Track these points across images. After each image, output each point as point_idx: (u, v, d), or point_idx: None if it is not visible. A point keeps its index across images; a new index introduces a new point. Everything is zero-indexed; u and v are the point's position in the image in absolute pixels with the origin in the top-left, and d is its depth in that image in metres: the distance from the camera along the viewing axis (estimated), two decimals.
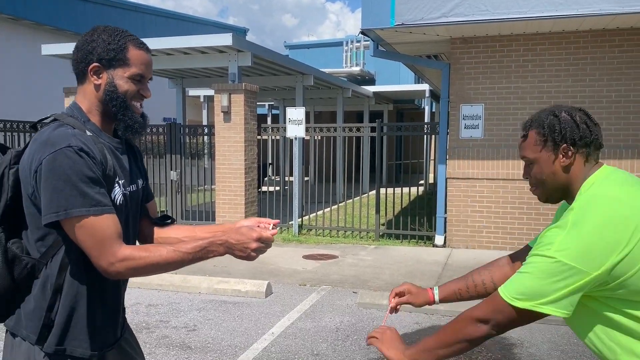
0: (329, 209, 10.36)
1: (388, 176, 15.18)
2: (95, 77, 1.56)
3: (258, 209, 9.12)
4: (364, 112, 16.99)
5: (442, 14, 6.64)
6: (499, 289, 1.46)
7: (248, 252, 1.51)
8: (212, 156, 9.32)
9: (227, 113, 8.52)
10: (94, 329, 1.57)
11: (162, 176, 9.48)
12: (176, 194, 9.44)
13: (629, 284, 1.37)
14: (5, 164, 1.51)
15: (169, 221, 1.82)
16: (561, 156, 1.52)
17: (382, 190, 8.79)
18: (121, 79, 1.56)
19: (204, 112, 18.06)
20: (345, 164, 10.12)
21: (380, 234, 8.57)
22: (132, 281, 5.75)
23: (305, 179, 13.18)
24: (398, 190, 8.72)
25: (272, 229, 1.58)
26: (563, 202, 1.72)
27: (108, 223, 1.45)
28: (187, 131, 9.64)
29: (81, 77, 1.58)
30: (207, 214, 9.39)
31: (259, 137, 9.08)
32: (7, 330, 1.57)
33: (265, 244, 1.53)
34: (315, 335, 4.46)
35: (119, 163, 1.60)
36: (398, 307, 1.97)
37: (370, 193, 10.89)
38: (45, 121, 1.57)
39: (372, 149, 11.38)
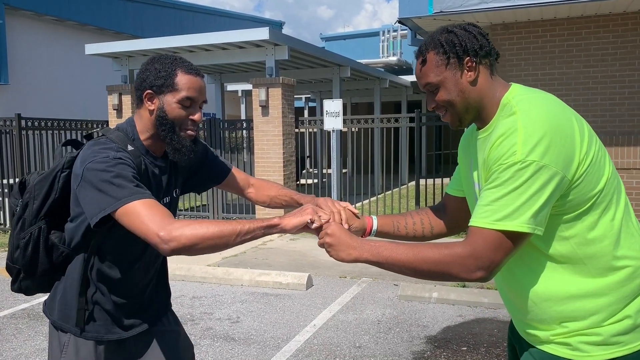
0: (367, 200, 10.31)
1: (427, 167, 15.01)
2: (149, 102, 1.66)
3: None
4: (401, 102, 16.81)
5: (482, 0, 6.48)
6: (474, 221, 1.31)
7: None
8: (251, 150, 9.42)
9: (265, 107, 8.58)
10: (112, 315, 1.74)
11: None
12: (217, 187, 9.57)
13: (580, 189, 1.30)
14: (58, 168, 1.66)
15: None
16: (466, 71, 1.42)
17: (422, 182, 8.69)
18: (171, 104, 1.64)
19: (242, 107, 18.26)
20: (384, 156, 10.07)
21: None
22: (176, 274, 5.89)
23: (343, 171, 13.16)
24: (438, 181, 8.60)
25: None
26: (464, 138, 1.63)
27: (157, 204, 1.50)
28: (226, 126, 9.77)
29: (139, 101, 1.70)
30: (247, 207, 9.50)
31: (296, 130, 9.10)
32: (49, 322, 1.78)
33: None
34: (357, 327, 4.46)
35: (155, 180, 1.73)
36: (330, 218, 1.66)
37: (410, 184, 10.80)
38: (97, 132, 1.70)
39: (411, 140, 11.31)
